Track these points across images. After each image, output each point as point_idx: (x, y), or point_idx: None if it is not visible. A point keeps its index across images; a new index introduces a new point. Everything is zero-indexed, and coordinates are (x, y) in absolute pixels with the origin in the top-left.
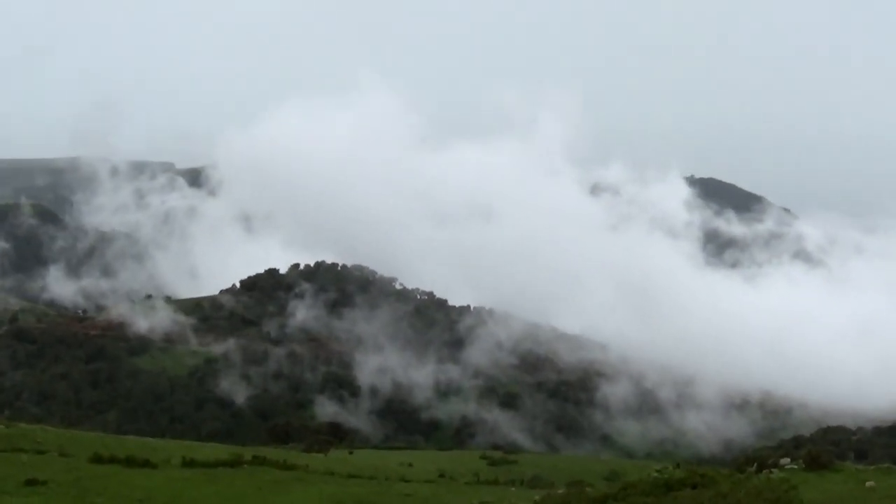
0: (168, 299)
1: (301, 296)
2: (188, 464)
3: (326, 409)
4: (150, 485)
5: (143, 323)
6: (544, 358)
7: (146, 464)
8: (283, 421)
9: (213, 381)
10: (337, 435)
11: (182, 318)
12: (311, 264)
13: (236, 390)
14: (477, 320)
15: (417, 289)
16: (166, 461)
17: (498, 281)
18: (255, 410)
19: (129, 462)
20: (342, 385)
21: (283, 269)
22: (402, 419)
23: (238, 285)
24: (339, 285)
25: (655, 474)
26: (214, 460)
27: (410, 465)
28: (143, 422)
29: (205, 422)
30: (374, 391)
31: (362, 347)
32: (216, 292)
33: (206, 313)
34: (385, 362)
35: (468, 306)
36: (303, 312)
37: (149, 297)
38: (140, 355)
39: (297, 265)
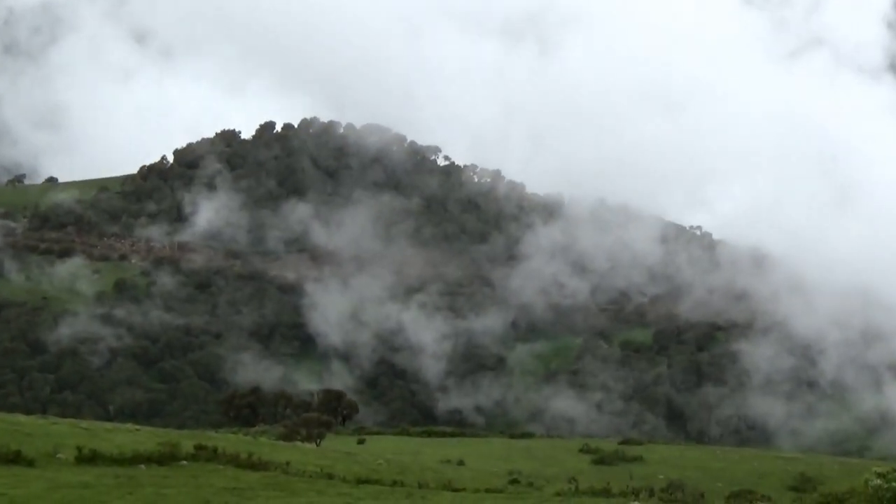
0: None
1: (210, 184)
2: (87, 459)
3: (260, 376)
4: (21, 495)
5: None
6: (646, 293)
7: (17, 458)
8: (245, 390)
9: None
10: (336, 411)
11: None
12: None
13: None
14: (529, 221)
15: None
16: (50, 455)
17: (570, 146)
18: (199, 371)
19: None
20: (286, 335)
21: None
22: (399, 403)
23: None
24: (285, 162)
25: (877, 482)
26: (131, 453)
27: (461, 462)
28: (11, 388)
29: (116, 389)
30: (348, 352)
31: (321, 273)
32: (98, 172)
33: (63, 209)
34: (362, 300)
35: (513, 184)
36: (211, 211)
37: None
38: None
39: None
